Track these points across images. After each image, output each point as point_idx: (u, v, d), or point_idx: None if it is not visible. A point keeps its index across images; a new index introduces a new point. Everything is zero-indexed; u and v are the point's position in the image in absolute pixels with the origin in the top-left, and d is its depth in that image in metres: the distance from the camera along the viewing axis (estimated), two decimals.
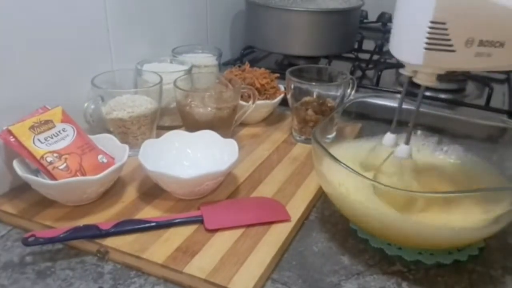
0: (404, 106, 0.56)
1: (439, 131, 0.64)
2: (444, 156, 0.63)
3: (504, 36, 0.45)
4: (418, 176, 0.54)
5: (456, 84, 0.90)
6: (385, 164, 0.54)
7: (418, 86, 0.50)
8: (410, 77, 0.50)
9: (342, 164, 0.49)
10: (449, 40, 0.44)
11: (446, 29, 0.44)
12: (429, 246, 0.52)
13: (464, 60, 0.45)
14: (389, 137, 0.56)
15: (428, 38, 0.44)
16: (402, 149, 0.53)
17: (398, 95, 0.85)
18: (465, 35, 0.44)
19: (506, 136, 0.59)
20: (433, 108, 0.66)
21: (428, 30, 0.44)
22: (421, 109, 0.56)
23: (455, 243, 0.52)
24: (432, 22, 0.43)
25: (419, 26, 0.44)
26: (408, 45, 0.47)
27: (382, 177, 0.53)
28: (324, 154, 0.51)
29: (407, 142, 0.53)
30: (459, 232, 0.48)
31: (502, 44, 0.45)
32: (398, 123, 0.57)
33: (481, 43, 0.45)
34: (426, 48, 0.44)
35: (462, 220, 0.48)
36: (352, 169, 0.48)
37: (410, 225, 0.48)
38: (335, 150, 0.56)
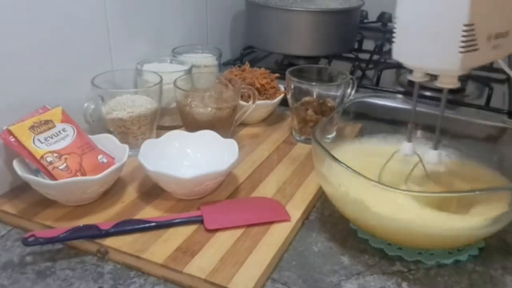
0: (404, 106, 0.56)
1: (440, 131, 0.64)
2: (445, 156, 0.62)
3: (507, 26, 0.47)
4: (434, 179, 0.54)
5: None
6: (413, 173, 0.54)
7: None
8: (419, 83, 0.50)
9: (342, 164, 0.49)
10: (475, 40, 0.44)
11: (473, 30, 0.43)
12: (429, 246, 0.52)
13: (485, 56, 0.46)
14: (407, 146, 0.55)
15: (462, 41, 0.43)
16: (431, 155, 0.53)
17: (399, 95, 0.85)
18: (486, 32, 0.45)
19: (506, 136, 0.59)
20: (433, 108, 0.66)
21: (463, 33, 0.43)
22: (421, 109, 0.56)
23: (455, 243, 0.52)
24: (465, 25, 0.43)
25: (451, 31, 0.44)
26: (439, 52, 0.46)
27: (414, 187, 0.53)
28: (324, 154, 0.51)
29: (435, 147, 0.53)
30: (459, 232, 0.48)
31: (507, 33, 0.47)
32: (395, 122, 0.56)
33: (496, 36, 0.46)
34: (461, 52, 0.44)
35: (462, 220, 0.48)
36: (352, 169, 0.48)
37: (410, 225, 0.48)
38: (335, 150, 0.56)
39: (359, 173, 0.48)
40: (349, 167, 0.48)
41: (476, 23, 0.43)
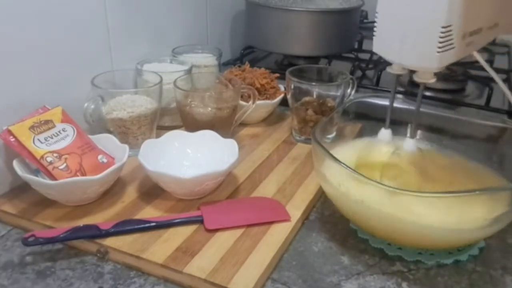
0: (404, 106, 0.57)
1: (439, 131, 0.64)
2: (444, 156, 0.63)
3: (480, 23, 0.49)
4: (421, 172, 0.55)
5: (456, 84, 0.90)
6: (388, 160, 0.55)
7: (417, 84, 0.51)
8: (398, 75, 0.53)
9: (342, 164, 0.49)
10: (452, 39, 0.46)
11: (451, 31, 0.45)
12: (429, 246, 0.52)
13: (460, 52, 0.48)
14: (384, 133, 0.57)
15: (440, 42, 0.45)
16: (408, 143, 0.54)
17: (399, 95, 0.85)
18: (462, 31, 0.47)
19: (506, 136, 0.59)
20: (433, 108, 0.66)
21: (440, 34, 0.45)
22: (421, 109, 0.57)
23: (455, 243, 0.52)
24: (443, 27, 0.45)
25: (429, 32, 0.46)
26: (419, 51, 0.48)
27: (388, 175, 0.54)
28: (324, 154, 0.51)
29: (412, 136, 0.54)
30: (459, 232, 0.48)
31: (481, 29, 0.50)
32: (395, 122, 0.57)
33: (470, 34, 0.48)
34: (439, 52, 0.46)
35: (462, 220, 0.48)
36: (352, 169, 0.48)
37: (410, 225, 0.48)
38: (335, 150, 0.56)
39: (359, 173, 0.48)
40: (349, 167, 0.48)
41: (452, 24, 0.45)
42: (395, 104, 0.60)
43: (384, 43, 0.50)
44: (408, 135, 0.58)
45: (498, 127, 0.60)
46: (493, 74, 0.58)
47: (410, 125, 0.56)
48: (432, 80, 0.51)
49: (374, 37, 0.51)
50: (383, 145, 0.58)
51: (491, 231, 0.50)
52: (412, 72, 0.52)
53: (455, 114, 0.68)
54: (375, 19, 0.50)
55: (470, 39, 0.49)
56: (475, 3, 0.48)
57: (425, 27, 0.46)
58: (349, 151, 0.61)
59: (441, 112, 0.66)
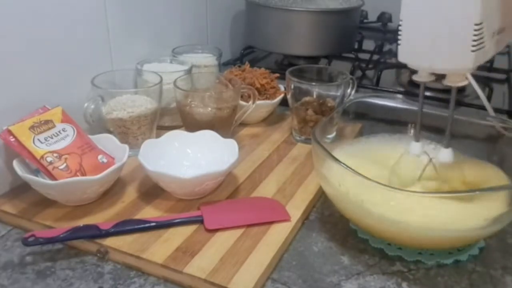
0: (404, 106, 0.56)
1: (439, 131, 0.63)
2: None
3: (504, 22, 0.48)
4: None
5: None
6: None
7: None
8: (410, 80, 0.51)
9: (342, 164, 0.49)
10: (483, 37, 0.45)
11: (483, 28, 0.45)
12: (429, 246, 0.52)
13: (489, 52, 0.47)
14: (415, 146, 0.56)
15: (474, 40, 0.44)
16: (445, 154, 0.53)
17: (399, 95, 0.85)
18: (491, 29, 0.46)
19: (506, 136, 0.59)
20: (432, 108, 0.66)
21: (474, 32, 0.44)
22: (425, 110, 0.56)
23: (455, 243, 0.52)
24: (476, 24, 0.44)
25: (462, 30, 0.45)
26: (452, 53, 0.46)
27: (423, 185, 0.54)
28: (325, 154, 0.51)
29: (447, 146, 0.53)
30: (459, 232, 0.48)
31: (504, 29, 0.49)
32: (395, 122, 0.56)
33: (497, 32, 0.47)
34: (473, 51, 0.45)
35: (462, 220, 0.48)
36: (352, 169, 0.48)
37: (410, 226, 0.48)
38: (336, 150, 0.56)
39: (359, 173, 0.48)
40: (349, 167, 0.48)
41: (484, 22, 0.44)
42: (395, 104, 0.60)
43: (412, 50, 0.48)
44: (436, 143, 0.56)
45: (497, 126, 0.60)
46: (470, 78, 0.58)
47: (414, 127, 0.55)
48: (465, 83, 0.49)
49: (399, 46, 0.49)
50: (417, 157, 0.56)
51: (491, 231, 0.50)
52: (441, 77, 0.50)
53: (455, 114, 0.67)
54: (399, 27, 0.48)
55: (497, 37, 0.48)
56: (503, 0, 0.47)
57: (457, 26, 0.45)
58: (350, 151, 0.61)
59: (440, 112, 0.66)
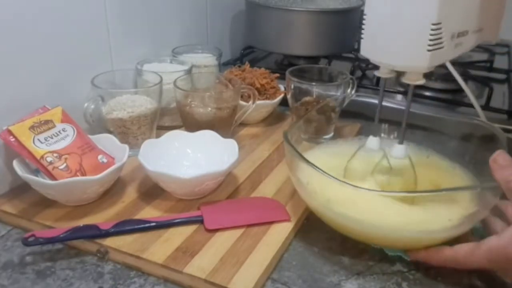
0: (403, 107, 0.56)
1: (426, 130, 0.63)
2: (418, 154, 0.61)
3: (467, 25, 0.49)
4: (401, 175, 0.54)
5: (456, 84, 0.90)
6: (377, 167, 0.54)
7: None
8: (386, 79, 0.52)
9: (310, 164, 0.48)
10: (441, 38, 0.46)
11: (441, 28, 0.45)
12: (393, 246, 0.51)
13: (448, 53, 0.48)
14: (372, 141, 0.56)
15: (430, 40, 0.45)
16: (398, 149, 0.53)
17: (398, 95, 0.85)
18: (450, 31, 0.46)
19: (478, 135, 0.58)
20: (423, 108, 0.66)
21: (431, 32, 0.45)
22: (414, 111, 0.56)
23: (424, 243, 0.50)
24: (434, 24, 0.44)
25: (420, 29, 0.45)
26: (407, 50, 0.47)
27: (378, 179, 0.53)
28: (294, 155, 0.50)
29: (401, 142, 0.53)
30: (421, 234, 0.48)
31: (467, 32, 0.50)
32: (395, 123, 0.56)
33: (458, 35, 0.48)
34: (429, 50, 0.45)
35: (424, 222, 0.48)
36: (316, 167, 0.47)
37: (373, 226, 0.48)
38: (314, 149, 0.55)
39: (323, 171, 0.47)
40: (314, 165, 0.48)
41: (442, 22, 0.45)
42: (395, 105, 0.59)
43: (372, 45, 0.49)
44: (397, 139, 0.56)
45: (471, 125, 0.59)
46: (456, 76, 0.57)
47: (399, 128, 0.55)
48: (421, 82, 0.50)
49: (361, 40, 0.49)
50: (373, 153, 0.56)
51: (456, 233, 0.48)
52: (400, 74, 0.51)
53: (453, 114, 0.67)
54: (363, 21, 0.49)
55: (457, 40, 0.48)
56: (464, 2, 0.48)
57: (415, 25, 0.45)
58: (325, 152, 0.60)
59: (429, 112, 0.66)
